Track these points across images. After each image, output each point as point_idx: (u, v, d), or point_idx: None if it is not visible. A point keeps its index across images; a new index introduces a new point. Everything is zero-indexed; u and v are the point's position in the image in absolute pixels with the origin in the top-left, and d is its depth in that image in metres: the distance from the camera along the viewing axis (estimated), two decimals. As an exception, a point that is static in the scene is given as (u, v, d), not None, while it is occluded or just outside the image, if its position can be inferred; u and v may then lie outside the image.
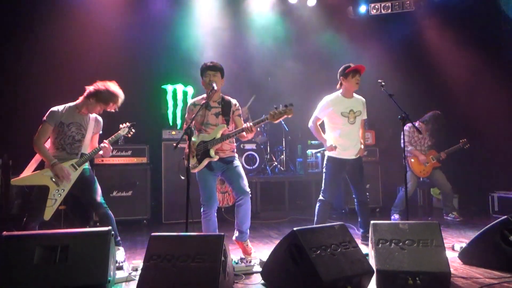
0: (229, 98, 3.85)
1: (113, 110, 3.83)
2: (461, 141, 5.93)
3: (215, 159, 3.64)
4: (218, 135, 3.63)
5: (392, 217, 5.62)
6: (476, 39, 6.71)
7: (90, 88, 3.71)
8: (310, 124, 4.46)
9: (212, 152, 3.61)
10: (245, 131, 3.51)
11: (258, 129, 6.99)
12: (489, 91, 6.44)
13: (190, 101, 3.97)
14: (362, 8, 7.52)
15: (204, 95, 3.82)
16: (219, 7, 7.02)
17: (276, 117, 3.40)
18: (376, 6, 7.51)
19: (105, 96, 3.68)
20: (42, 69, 5.96)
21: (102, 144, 3.81)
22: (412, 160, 5.85)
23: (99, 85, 3.70)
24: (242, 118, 3.86)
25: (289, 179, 6.98)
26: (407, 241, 2.98)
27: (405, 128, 5.69)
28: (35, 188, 3.62)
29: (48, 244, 2.66)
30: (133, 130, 4.03)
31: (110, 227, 2.85)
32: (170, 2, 6.81)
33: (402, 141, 4.62)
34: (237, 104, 3.87)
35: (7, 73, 5.91)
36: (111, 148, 3.88)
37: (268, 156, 7.21)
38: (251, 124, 3.48)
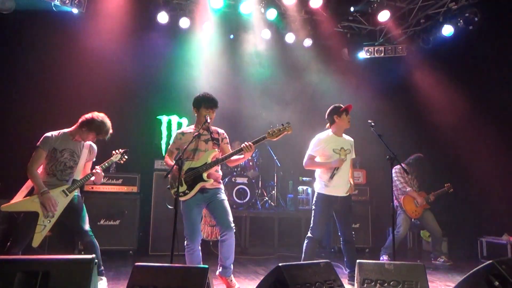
0: (215, 128, 3.93)
1: (101, 138, 3.87)
2: (446, 185, 6.00)
3: (210, 183, 3.64)
4: (209, 160, 3.65)
5: (381, 258, 5.58)
6: (465, 84, 6.92)
7: (85, 117, 3.75)
8: (305, 162, 4.43)
9: (205, 175, 3.62)
10: (244, 150, 3.52)
11: (250, 163, 7.05)
12: (478, 135, 6.58)
13: (178, 130, 4.03)
14: (361, 54, 7.78)
15: (192, 126, 3.92)
16: (217, 42, 7.22)
17: (275, 135, 3.47)
18: (370, 50, 7.78)
19: (98, 126, 3.72)
20: (37, 94, 6.04)
21: (94, 170, 3.82)
22: (405, 200, 5.84)
23: (94, 115, 3.74)
24: (229, 146, 3.92)
25: (279, 215, 6.94)
26: (392, 282, 2.97)
27: (396, 169, 5.79)
28: (23, 213, 3.59)
29: (29, 269, 2.60)
30: (126, 157, 4.07)
31: (93, 255, 2.80)
32: (168, 36, 7.01)
33: (393, 182, 4.61)
34: (224, 133, 3.95)
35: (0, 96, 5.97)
36: (103, 174, 3.90)
37: (259, 191, 7.21)
38: (250, 143, 3.51)
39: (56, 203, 3.60)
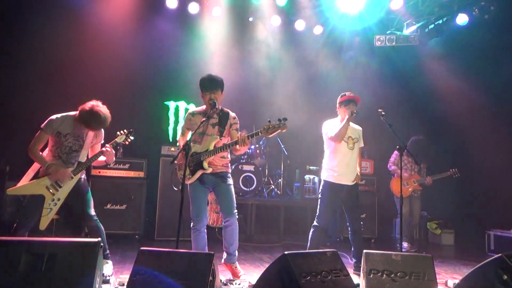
0: (228, 110, 3.84)
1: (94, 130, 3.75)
2: (450, 170, 5.84)
3: (208, 171, 3.61)
4: (211, 147, 3.60)
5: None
6: (478, 75, 6.78)
7: (80, 108, 3.63)
8: (333, 136, 4.27)
9: (205, 164, 3.59)
10: (239, 143, 3.45)
11: (258, 151, 7.01)
12: (489, 127, 6.47)
13: (189, 110, 3.94)
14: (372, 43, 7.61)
15: (204, 107, 3.83)
16: (226, 28, 7.13)
17: (270, 131, 3.38)
18: (381, 38, 7.61)
19: (86, 119, 3.58)
20: (44, 76, 6.01)
21: (104, 148, 3.75)
22: (393, 181, 5.92)
23: (86, 106, 3.59)
24: (239, 133, 3.77)
25: (285, 204, 6.93)
26: (399, 273, 2.94)
27: (394, 152, 5.87)
28: (28, 196, 3.60)
29: (35, 251, 2.61)
30: (131, 138, 3.95)
31: (99, 239, 2.80)
32: (178, 21, 6.93)
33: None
34: (236, 118, 3.84)
35: (8, 78, 5.92)
36: (114, 152, 3.81)
37: (266, 179, 7.18)
38: (245, 136, 3.44)
39: (65, 170, 3.58)
